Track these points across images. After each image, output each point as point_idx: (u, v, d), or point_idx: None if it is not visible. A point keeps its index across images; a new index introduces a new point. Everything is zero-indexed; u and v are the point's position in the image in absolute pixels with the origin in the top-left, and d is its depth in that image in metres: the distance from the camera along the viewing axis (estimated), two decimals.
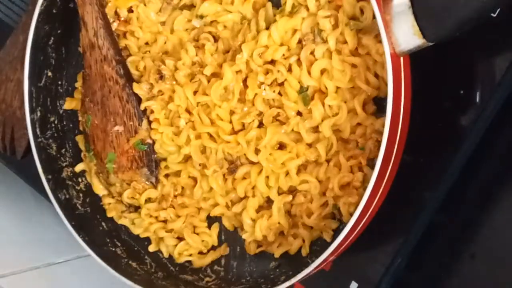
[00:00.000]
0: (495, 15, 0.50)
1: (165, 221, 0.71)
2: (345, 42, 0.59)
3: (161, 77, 0.68)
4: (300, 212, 0.63)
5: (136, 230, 0.72)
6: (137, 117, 0.69)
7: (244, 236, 0.66)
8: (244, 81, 0.63)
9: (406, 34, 0.50)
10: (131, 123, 0.69)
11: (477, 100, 0.59)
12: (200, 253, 0.70)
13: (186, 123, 0.66)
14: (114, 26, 0.71)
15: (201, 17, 0.66)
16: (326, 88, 0.60)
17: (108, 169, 0.71)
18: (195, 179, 0.68)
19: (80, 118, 0.74)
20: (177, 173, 0.69)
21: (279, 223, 0.64)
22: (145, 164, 0.69)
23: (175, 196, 0.70)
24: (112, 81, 0.69)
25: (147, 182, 0.70)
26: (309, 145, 0.62)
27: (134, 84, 0.69)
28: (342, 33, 0.58)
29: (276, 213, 0.63)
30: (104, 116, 0.70)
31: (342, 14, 0.58)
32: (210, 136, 0.66)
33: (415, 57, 0.53)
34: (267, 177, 0.63)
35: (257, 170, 0.64)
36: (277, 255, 0.65)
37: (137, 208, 0.72)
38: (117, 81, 0.69)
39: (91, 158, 0.72)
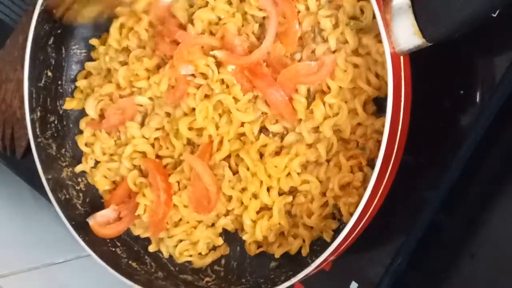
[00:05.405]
0: (495, 15, 0.50)
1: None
2: (345, 42, 0.59)
3: None
4: (300, 212, 0.63)
5: (136, 231, 0.72)
6: None
7: (244, 237, 0.66)
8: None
9: (406, 34, 0.50)
10: None
11: (477, 100, 0.59)
12: (200, 253, 0.70)
13: None
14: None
15: None
16: (328, 88, 0.60)
17: None
18: None
19: None
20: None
21: (279, 223, 0.64)
22: None
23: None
24: None
25: None
26: (309, 145, 0.62)
27: None
28: (343, 32, 0.58)
29: (276, 214, 0.63)
30: None
31: (343, 13, 0.58)
32: None
33: (415, 57, 0.53)
34: (269, 176, 0.63)
35: (257, 183, 0.64)
36: (277, 255, 0.65)
37: None
38: None
39: None
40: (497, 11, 0.50)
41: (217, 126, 0.65)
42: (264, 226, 0.64)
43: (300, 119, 0.62)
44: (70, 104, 0.75)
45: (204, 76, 0.65)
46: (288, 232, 0.64)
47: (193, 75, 0.66)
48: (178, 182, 0.69)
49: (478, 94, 0.59)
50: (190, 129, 0.67)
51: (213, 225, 0.69)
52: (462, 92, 0.60)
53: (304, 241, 0.63)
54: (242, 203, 0.65)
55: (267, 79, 0.62)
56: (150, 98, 0.70)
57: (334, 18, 0.59)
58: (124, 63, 0.71)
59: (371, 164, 0.59)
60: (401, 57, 0.52)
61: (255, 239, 0.65)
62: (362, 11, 0.58)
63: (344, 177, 0.60)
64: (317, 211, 0.61)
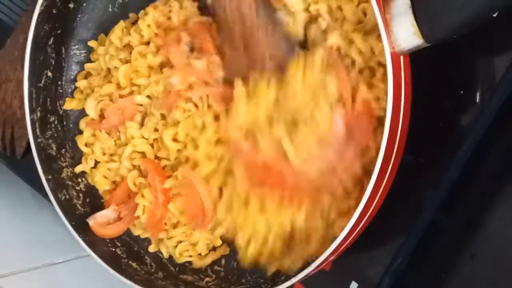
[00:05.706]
0: (495, 15, 0.50)
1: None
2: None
3: None
4: (299, 238, 0.60)
5: (136, 231, 0.72)
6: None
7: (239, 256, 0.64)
8: None
9: (406, 34, 0.50)
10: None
11: (477, 100, 0.59)
12: (200, 254, 0.70)
13: None
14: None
15: None
16: None
17: None
18: None
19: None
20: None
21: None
22: None
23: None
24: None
25: None
26: None
27: None
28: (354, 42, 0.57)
29: (272, 241, 0.60)
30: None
31: (347, 23, 0.57)
32: None
33: (415, 57, 0.53)
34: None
35: None
36: (270, 272, 0.62)
37: None
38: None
39: None
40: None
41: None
42: (257, 251, 0.61)
43: None
44: (70, 105, 0.75)
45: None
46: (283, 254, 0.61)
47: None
48: None
49: (478, 94, 0.59)
50: (175, 140, 0.67)
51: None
52: (462, 92, 0.60)
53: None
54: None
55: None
56: (149, 97, 0.70)
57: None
58: (125, 61, 0.71)
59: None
60: (401, 57, 0.52)
61: (246, 261, 0.62)
62: (365, 14, 0.57)
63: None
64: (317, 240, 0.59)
